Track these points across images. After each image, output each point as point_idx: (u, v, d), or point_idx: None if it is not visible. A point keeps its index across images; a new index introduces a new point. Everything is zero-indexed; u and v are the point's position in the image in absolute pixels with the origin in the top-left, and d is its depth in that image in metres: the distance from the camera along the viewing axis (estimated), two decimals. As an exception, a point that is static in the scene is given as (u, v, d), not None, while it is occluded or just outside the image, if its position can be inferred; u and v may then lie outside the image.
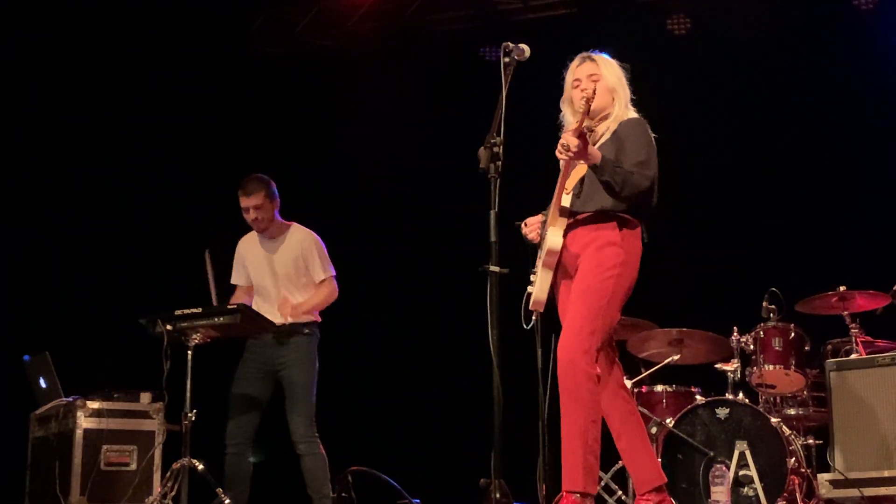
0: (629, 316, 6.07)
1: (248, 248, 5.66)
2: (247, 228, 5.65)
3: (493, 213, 3.63)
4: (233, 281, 5.68)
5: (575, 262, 4.01)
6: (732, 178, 7.27)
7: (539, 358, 4.24)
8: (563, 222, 3.97)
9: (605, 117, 4.09)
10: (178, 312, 5.11)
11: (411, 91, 7.71)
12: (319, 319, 5.55)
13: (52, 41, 7.13)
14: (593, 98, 3.86)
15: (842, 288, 5.67)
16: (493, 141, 3.66)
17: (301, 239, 5.56)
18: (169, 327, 5.08)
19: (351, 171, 7.91)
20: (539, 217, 4.15)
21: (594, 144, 3.89)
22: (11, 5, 6.92)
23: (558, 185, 3.95)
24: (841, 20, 7.20)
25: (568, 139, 3.80)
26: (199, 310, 5.14)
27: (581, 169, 3.96)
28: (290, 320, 5.39)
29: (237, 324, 5.15)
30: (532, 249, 4.17)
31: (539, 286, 4.00)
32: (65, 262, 7.22)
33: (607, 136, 4.04)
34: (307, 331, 5.46)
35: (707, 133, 7.34)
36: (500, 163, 3.68)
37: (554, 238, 3.95)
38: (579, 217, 4.00)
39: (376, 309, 7.79)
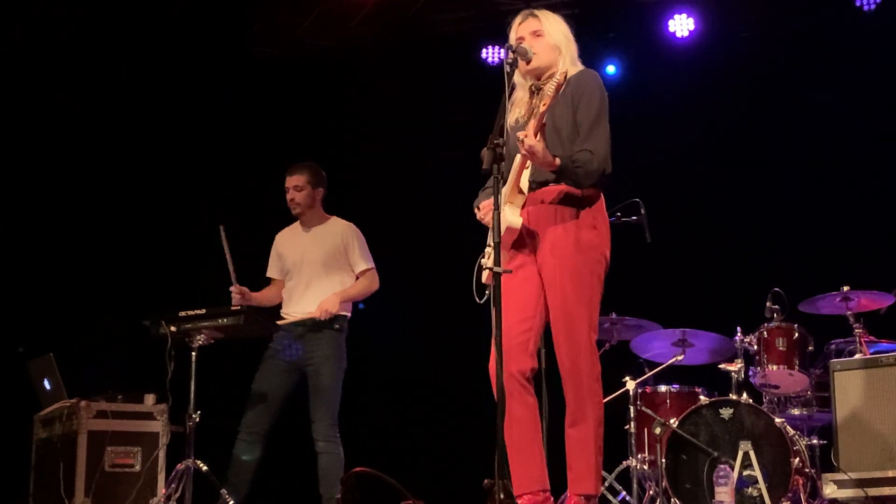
0: (633, 316, 6.09)
1: (286, 237, 5.71)
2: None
3: (496, 214, 3.61)
4: (268, 274, 5.72)
5: (536, 241, 3.92)
6: (735, 177, 7.27)
7: (542, 358, 4.24)
8: (521, 199, 3.91)
9: (552, 75, 3.88)
10: (181, 314, 5.13)
11: (413, 92, 7.71)
12: (350, 314, 5.55)
13: (52, 40, 7.13)
14: (563, 83, 3.70)
15: (845, 288, 5.66)
16: (496, 142, 3.64)
17: (343, 228, 5.64)
18: (173, 329, 5.10)
19: (353, 171, 7.90)
20: (489, 200, 3.90)
21: (544, 105, 3.74)
22: (11, 3, 6.92)
23: (519, 164, 3.86)
24: (843, 21, 7.19)
25: (532, 144, 3.68)
26: (203, 311, 5.16)
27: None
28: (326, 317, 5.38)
29: (241, 325, 5.16)
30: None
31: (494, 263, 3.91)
32: (68, 264, 7.23)
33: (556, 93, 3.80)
34: (337, 326, 5.47)
35: (709, 132, 7.34)
36: (503, 163, 3.66)
37: (513, 217, 3.88)
38: (540, 193, 3.92)
39: (379, 309, 7.78)
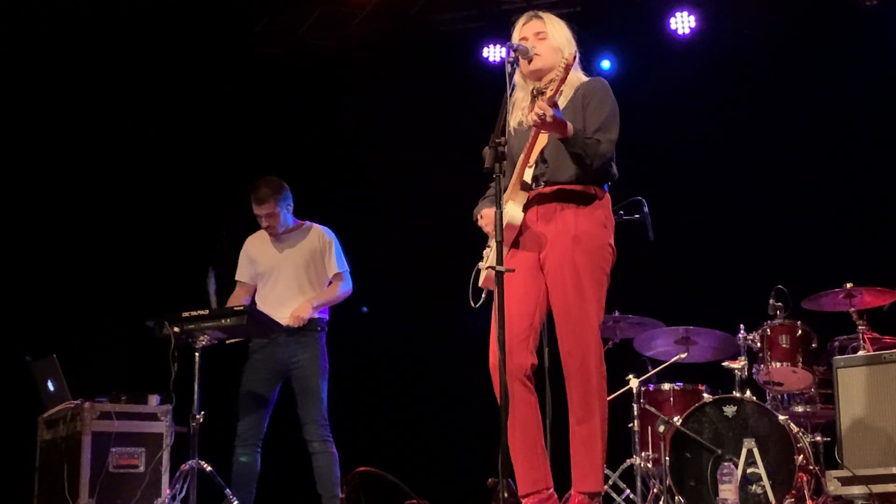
0: (636, 314, 6.09)
1: (259, 243, 5.68)
2: (258, 226, 5.69)
3: (498, 213, 3.61)
4: (237, 277, 5.69)
5: (539, 238, 3.92)
6: (737, 175, 7.27)
7: (546, 356, 4.24)
8: (524, 196, 3.90)
9: (554, 79, 3.89)
10: (185, 314, 5.12)
11: (415, 91, 7.72)
12: (328, 316, 5.56)
13: (57, 40, 7.13)
14: (573, 63, 3.73)
15: (848, 285, 5.66)
16: (497, 140, 3.64)
17: (319, 234, 5.62)
18: (176, 329, 5.09)
19: (355, 171, 7.91)
20: (492, 209, 3.84)
21: (551, 91, 3.74)
22: (16, 4, 6.92)
23: (522, 158, 3.87)
24: (845, 18, 7.19)
25: (544, 108, 3.67)
26: (206, 312, 5.15)
27: (542, 141, 3.87)
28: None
29: (244, 325, 5.15)
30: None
31: (492, 262, 3.83)
32: (72, 265, 7.23)
33: (562, 98, 3.85)
34: (320, 328, 5.47)
35: (711, 131, 7.33)
36: (505, 162, 3.66)
37: (514, 212, 3.87)
38: (546, 191, 3.91)
39: (382, 309, 7.79)
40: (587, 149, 3.83)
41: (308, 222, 5.68)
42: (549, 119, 3.68)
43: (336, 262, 5.57)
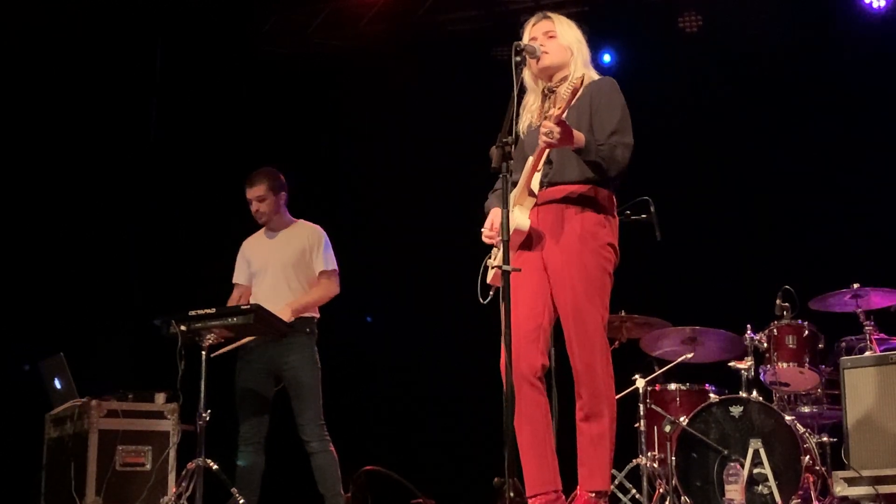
0: (642, 314, 6.09)
1: (252, 243, 5.66)
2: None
3: (505, 212, 3.61)
4: (234, 280, 5.67)
5: (542, 238, 3.92)
6: (745, 175, 7.26)
7: (553, 357, 4.24)
8: (531, 202, 3.90)
9: (565, 77, 3.93)
10: (191, 313, 5.11)
11: (423, 91, 7.72)
12: (318, 316, 5.54)
13: (62, 39, 7.15)
14: (580, 87, 3.73)
15: (856, 285, 5.65)
16: (504, 140, 3.64)
17: (309, 231, 5.56)
18: (183, 328, 5.08)
19: (362, 171, 7.92)
20: (495, 218, 3.91)
21: (559, 108, 3.73)
22: (22, 4, 6.94)
23: (530, 164, 3.86)
24: (853, 18, 7.18)
25: (551, 128, 3.68)
26: (213, 310, 5.15)
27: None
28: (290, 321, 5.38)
29: (251, 324, 5.15)
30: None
31: (500, 262, 3.82)
32: (79, 263, 7.25)
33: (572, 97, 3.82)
34: (308, 330, 5.44)
35: (718, 131, 7.33)
36: (512, 162, 3.67)
37: (521, 219, 3.87)
38: (550, 191, 3.91)
39: (388, 308, 7.80)
40: (602, 155, 3.83)
41: (300, 220, 5.63)
42: (557, 138, 3.69)
43: (323, 259, 5.49)
